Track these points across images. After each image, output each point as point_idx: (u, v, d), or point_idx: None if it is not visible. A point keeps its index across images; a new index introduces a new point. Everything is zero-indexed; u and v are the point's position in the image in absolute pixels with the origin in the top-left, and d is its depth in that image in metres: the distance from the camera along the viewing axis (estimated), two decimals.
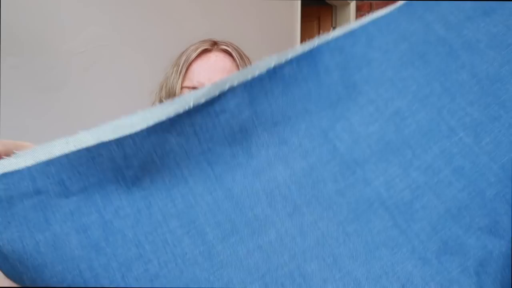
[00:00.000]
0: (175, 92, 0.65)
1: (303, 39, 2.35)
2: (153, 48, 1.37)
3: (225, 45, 0.68)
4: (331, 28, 3.01)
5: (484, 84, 0.42)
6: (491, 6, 0.44)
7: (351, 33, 0.43)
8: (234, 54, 0.67)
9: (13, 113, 1.03)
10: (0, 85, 0.99)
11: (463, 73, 0.42)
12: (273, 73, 0.39)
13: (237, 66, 0.67)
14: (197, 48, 0.66)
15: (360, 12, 2.98)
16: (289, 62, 0.40)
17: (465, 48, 0.43)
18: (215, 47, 0.67)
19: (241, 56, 0.68)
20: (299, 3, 2.27)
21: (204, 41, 0.68)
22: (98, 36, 1.22)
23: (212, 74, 0.64)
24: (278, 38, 2.10)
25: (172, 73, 0.66)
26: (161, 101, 0.69)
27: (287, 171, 0.39)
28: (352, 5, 2.96)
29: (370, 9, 2.94)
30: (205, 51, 0.66)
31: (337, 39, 0.43)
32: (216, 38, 0.70)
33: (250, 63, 0.69)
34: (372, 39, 0.44)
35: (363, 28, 0.44)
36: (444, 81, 0.42)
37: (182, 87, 0.65)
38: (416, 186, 0.40)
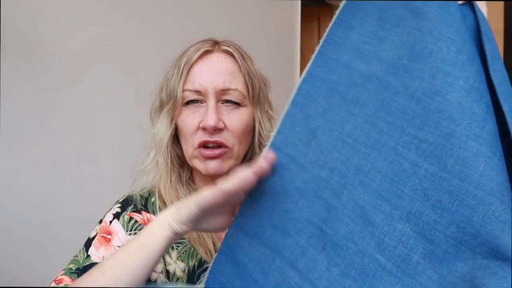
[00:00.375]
0: (176, 95, 0.64)
1: (303, 39, 2.35)
2: (153, 48, 1.37)
3: (226, 46, 0.66)
4: None
5: (425, 102, 0.40)
6: (397, 15, 0.43)
7: (286, 116, 0.46)
8: (236, 54, 0.66)
9: (13, 113, 1.03)
10: (0, 85, 0.99)
11: (400, 99, 0.41)
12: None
13: (239, 67, 0.66)
14: (198, 49, 0.64)
15: None
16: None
17: (390, 72, 0.42)
18: (216, 47, 0.66)
19: (243, 56, 0.67)
20: (299, 3, 2.26)
21: (205, 42, 0.66)
22: (98, 36, 1.22)
23: (214, 76, 0.63)
24: (278, 38, 2.10)
25: (173, 75, 0.65)
26: (161, 102, 0.68)
27: (295, 272, 0.43)
28: None
29: None
30: (206, 52, 0.65)
31: (277, 133, 0.46)
32: (217, 37, 0.69)
33: (252, 63, 0.68)
34: (307, 109, 0.45)
35: (294, 102, 0.46)
36: (386, 116, 0.41)
37: (183, 90, 0.64)
38: (406, 238, 0.39)
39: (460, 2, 0.43)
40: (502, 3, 1.99)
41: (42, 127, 1.10)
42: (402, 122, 0.40)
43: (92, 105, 1.21)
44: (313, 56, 0.47)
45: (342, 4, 0.47)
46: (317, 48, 0.47)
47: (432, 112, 0.39)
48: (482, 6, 0.45)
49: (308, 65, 0.47)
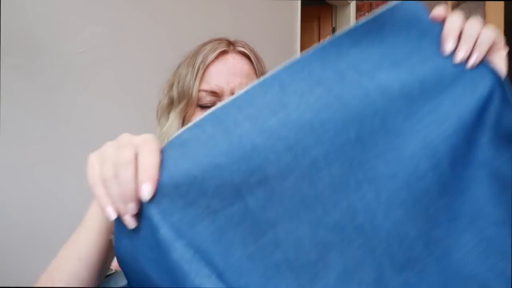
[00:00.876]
0: (191, 94, 0.62)
1: (303, 39, 2.35)
2: (153, 48, 1.37)
3: (241, 47, 0.66)
4: (331, 28, 3.01)
5: (390, 136, 0.41)
6: (397, 57, 0.44)
7: (262, 83, 0.42)
8: (251, 56, 0.66)
9: (13, 113, 1.03)
10: (0, 85, 0.99)
11: (376, 120, 0.41)
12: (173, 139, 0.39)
13: (254, 69, 0.66)
14: (214, 49, 0.64)
15: (360, 12, 2.97)
16: (191, 127, 0.39)
17: (379, 93, 0.42)
18: (231, 48, 0.66)
19: (257, 58, 0.67)
20: (299, 3, 2.27)
21: (220, 41, 0.66)
22: (98, 36, 1.22)
23: (230, 77, 0.62)
24: (278, 38, 2.10)
25: (187, 74, 0.64)
26: (171, 100, 0.66)
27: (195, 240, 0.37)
28: (352, 5, 2.95)
29: (370, 9, 2.94)
30: (222, 52, 0.64)
31: (246, 92, 0.41)
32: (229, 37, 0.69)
33: (264, 64, 0.68)
34: (285, 85, 0.42)
35: (275, 76, 0.42)
36: (360, 128, 0.41)
37: (199, 90, 0.62)
38: (323, 245, 0.39)
39: (469, 64, 0.42)
40: (502, 3, 1.99)
41: (42, 127, 1.10)
42: (368, 142, 0.41)
43: (92, 105, 1.21)
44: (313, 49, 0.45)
45: (362, 21, 0.46)
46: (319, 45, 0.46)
47: (391, 149, 0.41)
48: (500, 60, 0.43)
49: (304, 53, 0.45)
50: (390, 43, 0.44)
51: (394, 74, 0.43)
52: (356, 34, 0.44)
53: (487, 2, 2.01)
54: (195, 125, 0.39)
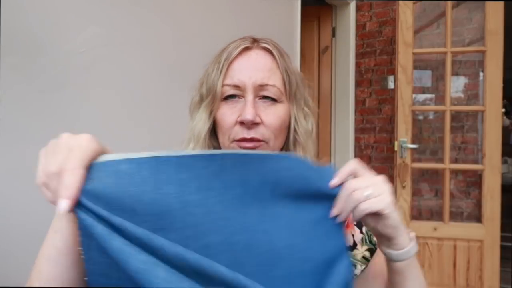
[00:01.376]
0: (216, 89, 0.66)
1: (303, 39, 2.35)
2: (153, 48, 1.37)
3: (265, 43, 0.69)
4: (331, 28, 3.01)
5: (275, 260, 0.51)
6: (303, 199, 0.53)
7: (210, 156, 0.49)
8: (274, 52, 0.68)
9: (13, 113, 1.03)
10: (0, 85, 0.99)
11: (265, 243, 0.49)
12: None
13: (277, 64, 0.67)
14: (238, 46, 0.66)
15: (360, 12, 2.97)
16: (132, 160, 0.46)
17: (270, 219, 0.50)
18: (255, 44, 0.68)
19: (281, 54, 0.69)
20: (299, 3, 2.27)
21: (244, 39, 0.69)
22: (98, 36, 1.22)
23: (253, 72, 0.65)
24: (278, 38, 2.10)
25: (213, 71, 0.67)
26: (201, 96, 0.69)
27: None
28: (352, 5, 2.95)
29: (370, 9, 2.94)
30: (246, 49, 0.67)
31: (192, 156, 0.48)
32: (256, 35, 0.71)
33: (290, 61, 0.70)
34: (224, 168, 0.49)
35: (223, 155, 0.50)
36: (249, 238, 0.48)
37: (223, 85, 0.65)
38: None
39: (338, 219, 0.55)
40: (502, 3, 1.99)
41: (42, 128, 1.10)
42: (254, 247, 0.50)
43: (93, 106, 1.21)
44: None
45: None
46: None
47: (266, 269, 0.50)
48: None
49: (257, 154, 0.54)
50: (303, 185, 0.54)
51: (293, 209, 0.52)
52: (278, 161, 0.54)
53: (487, 2, 2.01)
54: (135, 161, 0.46)
